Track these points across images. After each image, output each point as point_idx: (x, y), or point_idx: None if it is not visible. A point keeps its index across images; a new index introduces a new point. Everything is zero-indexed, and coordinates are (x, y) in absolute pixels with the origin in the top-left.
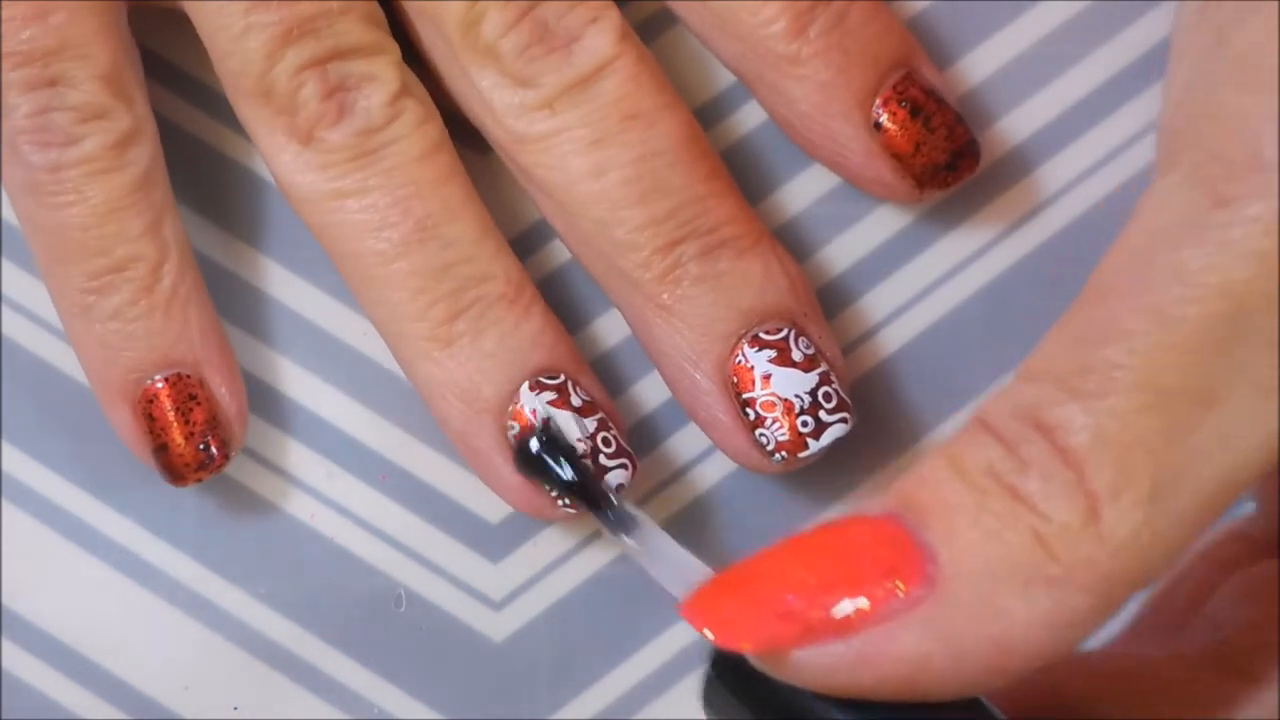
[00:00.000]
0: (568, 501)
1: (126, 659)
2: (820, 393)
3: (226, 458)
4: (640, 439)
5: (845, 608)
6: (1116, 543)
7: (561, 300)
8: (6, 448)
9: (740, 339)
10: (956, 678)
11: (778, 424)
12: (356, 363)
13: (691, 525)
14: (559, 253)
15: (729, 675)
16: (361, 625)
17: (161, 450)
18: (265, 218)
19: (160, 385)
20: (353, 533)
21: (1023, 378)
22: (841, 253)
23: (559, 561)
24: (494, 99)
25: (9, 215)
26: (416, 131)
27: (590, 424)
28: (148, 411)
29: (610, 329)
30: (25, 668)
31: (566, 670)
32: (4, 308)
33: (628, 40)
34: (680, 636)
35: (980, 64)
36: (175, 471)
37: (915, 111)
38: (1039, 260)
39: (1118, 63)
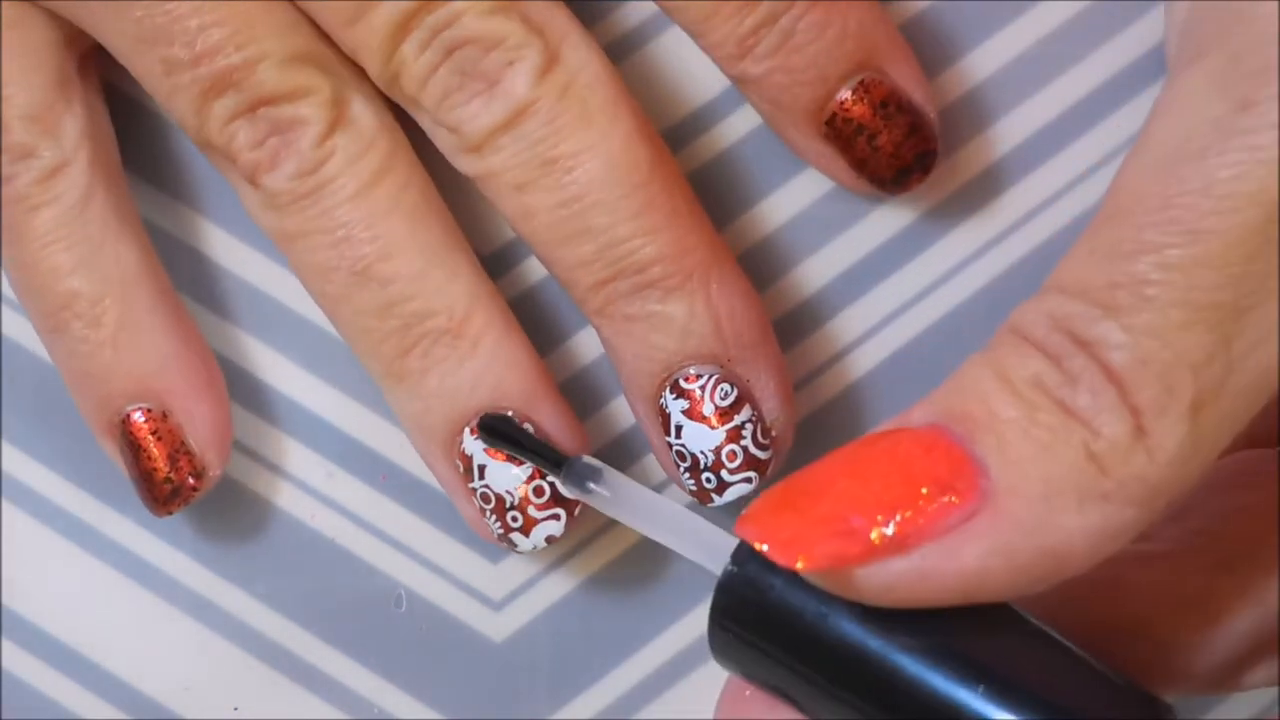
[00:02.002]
0: (506, 546)
1: (126, 659)
2: (725, 451)
3: (199, 487)
4: (621, 453)
5: (903, 524)
6: (1164, 457)
7: (542, 312)
8: (6, 448)
9: (664, 381)
10: (1008, 586)
11: (687, 475)
12: (357, 363)
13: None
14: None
15: (740, 599)
16: (361, 625)
17: (137, 482)
18: None
19: (125, 421)
20: (353, 533)
21: (1054, 290)
22: (841, 253)
23: (559, 561)
24: (434, 137)
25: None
26: (350, 168)
27: (523, 472)
28: (119, 445)
29: (591, 341)
30: (25, 668)
31: (566, 670)
32: (4, 308)
33: (548, 78)
34: (680, 637)
35: (980, 64)
36: (151, 503)
37: (858, 130)
38: (1039, 261)
39: (1118, 63)
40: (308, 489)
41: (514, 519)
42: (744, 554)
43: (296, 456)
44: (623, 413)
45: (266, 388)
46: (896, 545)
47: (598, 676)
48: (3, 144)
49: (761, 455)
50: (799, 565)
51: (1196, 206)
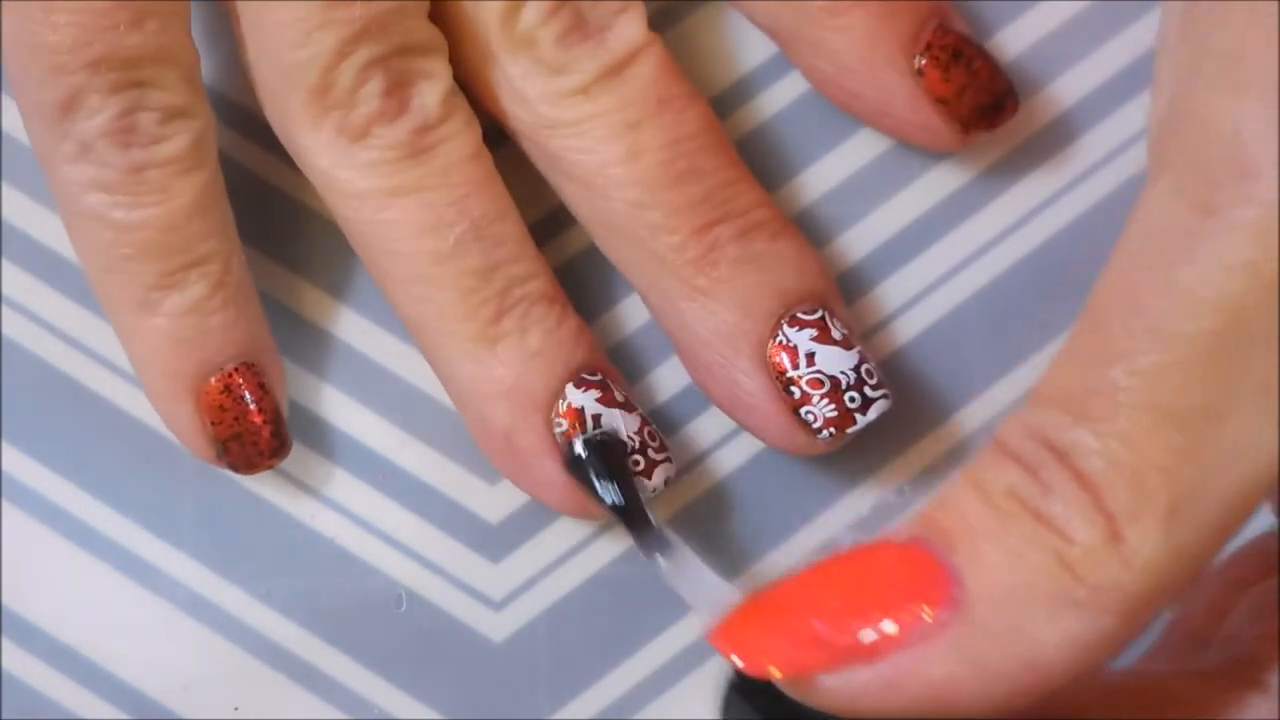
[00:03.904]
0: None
1: (126, 659)
2: (863, 369)
3: (290, 445)
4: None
5: (872, 633)
6: (1140, 563)
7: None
8: (6, 448)
9: (779, 319)
10: (983, 699)
11: (826, 401)
12: (357, 363)
13: (705, 515)
14: (556, 253)
15: (751, 694)
16: (361, 625)
17: (235, 440)
18: (264, 218)
19: (234, 375)
20: (353, 533)
21: (1033, 401)
22: (842, 253)
23: (559, 561)
24: (528, 86)
25: (9, 215)
26: (467, 130)
27: (634, 420)
28: (219, 403)
29: (612, 325)
30: (25, 668)
31: (566, 670)
32: (4, 308)
33: (653, 33)
34: (680, 637)
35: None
36: (249, 460)
37: (957, 56)
38: (1039, 260)
39: (1118, 63)
40: (308, 489)
41: (634, 464)
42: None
43: (297, 457)
44: (643, 399)
45: None
46: (864, 654)
47: (598, 676)
48: (154, 102)
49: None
50: (770, 674)
51: (1164, 313)
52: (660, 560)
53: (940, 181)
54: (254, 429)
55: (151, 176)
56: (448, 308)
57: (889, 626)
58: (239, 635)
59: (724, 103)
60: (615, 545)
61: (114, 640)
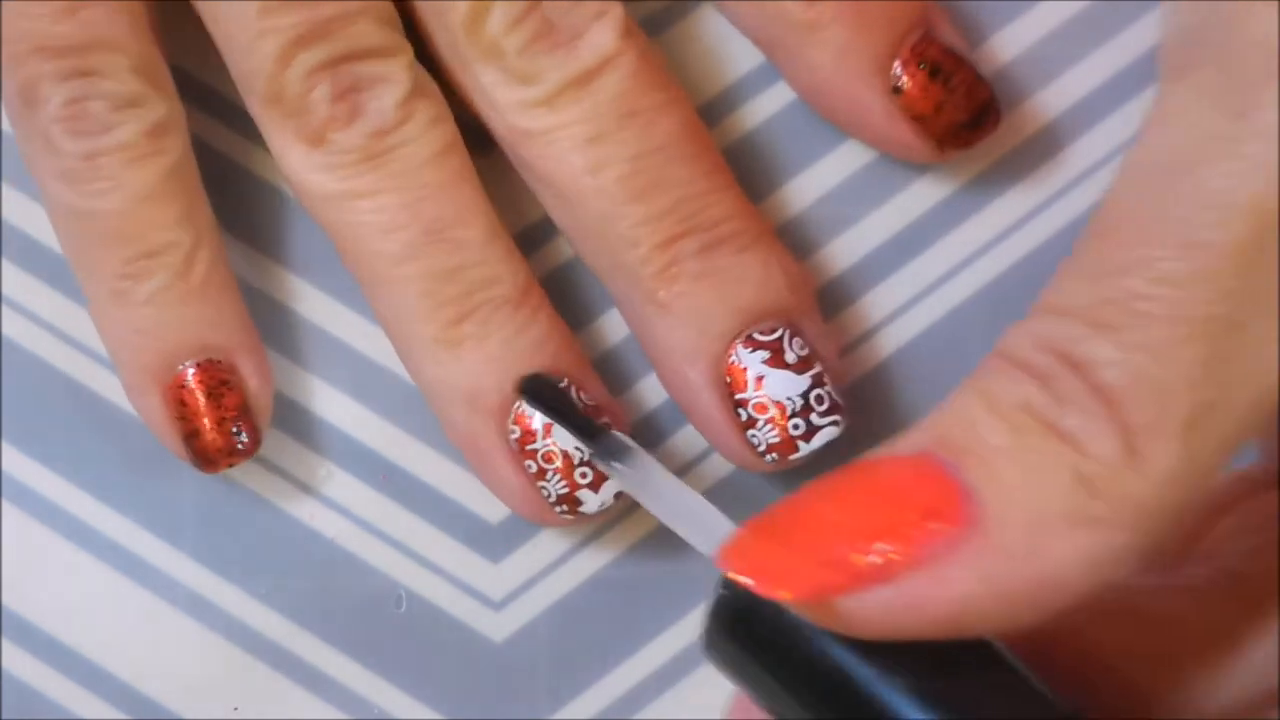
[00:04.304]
0: (565, 509)
1: (126, 659)
2: (812, 395)
3: (257, 444)
4: (640, 438)
5: (889, 552)
6: (1157, 477)
7: (562, 299)
8: (6, 448)
9: (735, 338)
10: (1000, 616)
11: (770, 426)
12: (356, 363)
13: None
14: (559, 252)
15: (738, 625)
16: (361, 625)
17: (194, 436)
18: (264, 217)
19: (193, 370)
20: (353, 533)
21: (1042, 311)
22: (841, 253)
23: (559, 561)
24: (497, 95)
25: (9, 214)
26: (428, 133)
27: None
28: (179, 397)
29: (612, 328)
30: (25, 668)
31: (566, 670)
32: (4, 308)
33: (631, 37)
34: (680, 637)
35: (979, 64)
36: (207, 457)
37: (934, 72)
38: (1039, 260)
39: (1118, 63)
40: (308, 489)
41: (583, 475)
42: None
43: (296, 456)
44: (639, 401)
45: None
46: (882, 574)
47: (598, 676)
48: (105, 91)
49: (841, 400)
50: (784, 596)
51: (1190, 219)
52: (618, 465)
53: (940, 182)
54: (211, 427)
55: (103, 164)
56: (407, 310)
57: (905, 545)
58: (239, 635)
59: (721, 104)
60: (615, 546)
61: (114, 640)
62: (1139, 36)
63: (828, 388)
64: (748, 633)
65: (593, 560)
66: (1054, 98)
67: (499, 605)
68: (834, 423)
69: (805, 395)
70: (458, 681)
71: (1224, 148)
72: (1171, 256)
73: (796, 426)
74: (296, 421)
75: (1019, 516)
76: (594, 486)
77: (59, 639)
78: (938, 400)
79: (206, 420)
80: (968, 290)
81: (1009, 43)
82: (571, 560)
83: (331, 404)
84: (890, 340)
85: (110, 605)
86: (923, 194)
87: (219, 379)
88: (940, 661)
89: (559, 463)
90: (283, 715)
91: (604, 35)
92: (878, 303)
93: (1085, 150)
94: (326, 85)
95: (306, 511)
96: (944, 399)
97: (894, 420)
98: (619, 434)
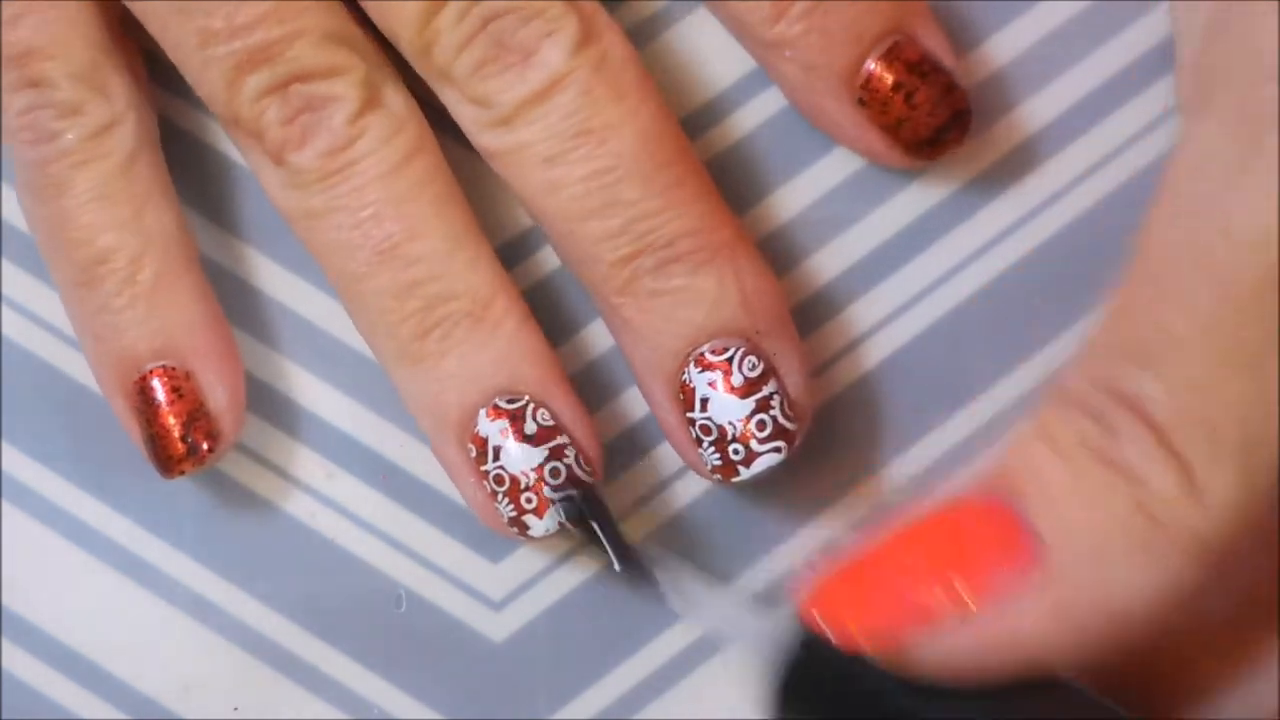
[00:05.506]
0: (516, 530)
1: (126, 659)
2: (754, 420)
3: (214, 450)
4: (628, 446)
5: (960, 591)
6: (1215, 505)
7: (553, 305)
8: (6, 448)
9: (689, 357)
10: (1073, 650)
11: (712, 449)
12: (356, 363)
13: (679, 531)
14: (552, 257)
15: (806, 679)
16: (361, 625)
17: (149, 441)
18: (264, 217)
19: (149, 376)
20: (353, 533)
21: (1092, 348)
22: (841, 253)
23: (559, 561)
24: (458, 114)
25: (9, 215)
26: (383, 148)
27: (539, 454)
28: (136, 403)
29: (601, 334)
30: (25, 668)
31: (566, 670)
32: (4, 308)
33: (585, 51)
34: (680, 637)
35: (980, 64)
36: (162, 463)
37: (897, 87)
38: (1039, 261)
39: (1117, 63)
40: (308, 489)
41: (528, 501)
42: (804, 638)
43: (296, 456)
44: (628, 408)
45: (266, 387)
46: (954, 613)
47: (598, 676)
48: (51, 100)
49: (789, 426)
50: (865, 646)
51: (1216, 251)
52: (650, 586)
53: (940, 182)
54: (163, 432)
55: (53, 171)
56: (372, 325)
57: (976, 582)
58: (239, 635)
59: (718, 105)
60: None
61: (114, 640)
62: (1132, 42)
63: (774, 412)
64: (821, 691)
65: (593, 560)
66: (1045, 104)
67: (499, 605)
68: (775, 449)
69: (749, 419)
70: (458, 681)
71: (1247, 180)
72: (1200, 289)
73: (736, 452)
74: (296, 421)
75: (1083, 548)
76: (538, 513)
77: (59, 639)
78: (929, 406)
79: (159, 426)
80: (961, 295)
81: (1001, 47)
82: (572, 560)
83: (332, 404)
84: (882, 346)
85: (110, 605)
86: (918, 198)
87: (172, 385)
88: (1017, 701)
89: (507, 486)
90: (283, 715)
91: (554, 53)
92: (870, 308)
93: (1076, 157)
94: (276, 108)
95: (306, 511)
96: (936, 404)
97: (882, 427)
98: (644, 552)
